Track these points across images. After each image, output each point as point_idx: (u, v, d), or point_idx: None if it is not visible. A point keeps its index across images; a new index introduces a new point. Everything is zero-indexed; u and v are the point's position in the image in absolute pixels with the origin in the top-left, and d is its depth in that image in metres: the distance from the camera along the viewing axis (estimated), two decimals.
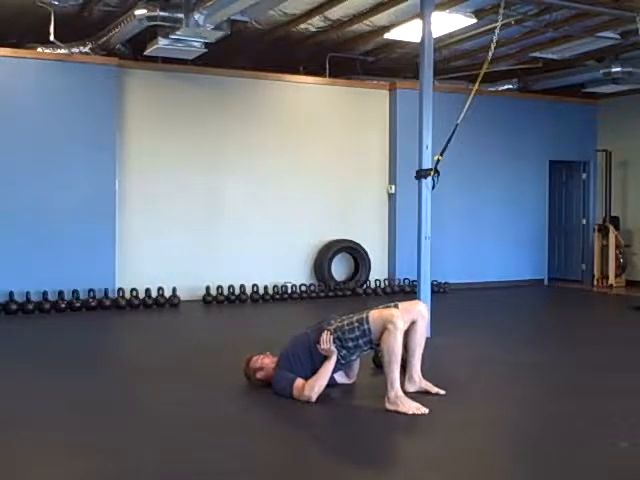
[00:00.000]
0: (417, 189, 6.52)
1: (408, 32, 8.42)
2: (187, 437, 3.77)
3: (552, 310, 9.55)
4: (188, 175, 9.20)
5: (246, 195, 9.54)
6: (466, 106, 6.28)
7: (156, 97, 9.07)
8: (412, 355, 4.61)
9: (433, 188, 6.48)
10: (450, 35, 8.70)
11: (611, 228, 11.10)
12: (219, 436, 3.84)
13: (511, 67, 10.33)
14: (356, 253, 10.10)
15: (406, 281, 10.08)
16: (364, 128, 10.26)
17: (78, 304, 8.26)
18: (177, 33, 7.44)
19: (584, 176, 11.89)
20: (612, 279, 11.03)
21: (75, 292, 8.30)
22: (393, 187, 10.28)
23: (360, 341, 4.42)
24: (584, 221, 11.86)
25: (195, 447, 3.61)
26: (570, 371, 5.46)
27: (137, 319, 8.04)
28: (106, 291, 8.48)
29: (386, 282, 10.21)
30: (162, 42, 7.61)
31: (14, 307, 7.98)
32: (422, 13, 6.56)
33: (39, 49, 8.37)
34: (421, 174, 6.46)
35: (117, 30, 7.81)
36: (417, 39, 7.11)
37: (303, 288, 9.63)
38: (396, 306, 4.56)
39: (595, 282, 11.25)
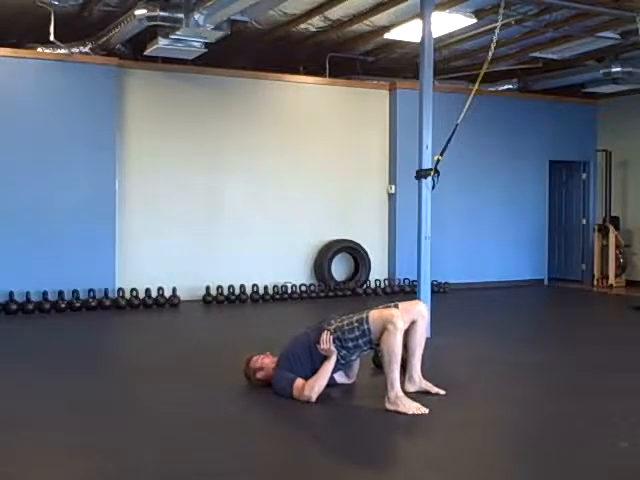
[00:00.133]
0: (417, 189, 6.52)
1: (408, 32, 8.42)
2: (187, 437, 3.77)
3: (552, 310, 9.55)
4: (188, 175, 9.20)
5: (246, 195, 9.54)
6: (466, 106, 6.28)
7: (156, 97, 9.07)
8: (412, 355, 4.61)
9: (433, 188, 6.47)
10: (450, 35, 8.70)
11: (611, 228, 11.10)
12: (219, 436, 3.84)
13: (511, 67, 10.33)
14: (356, 253, 10.09)
15: (406, 281, 10.08)
16: (364, 128, 10.25)
17: (78, 304, 8.26)
18: (177, 33, 7.44)
19: (584, 176, 11.89)
20: (612, 279, 11.03)
21: (75, 292, 8.30)
22: (393, 187, 10.28)
23: (360, 341, 4.41)
24: (584, 221, 11.86)
25: (195, 447, 3.61)
26: (570, 371, 5.46)
27: (137, 319, 8.04)
28: (106, 291, 8.49)
29: (386, 282, 10.21)
30: (162, 42, 7.62)
31: (14, 307, 7.99)
32: (422, 13, 6.56)
33: (39, 49, 8.37)
34: (421, 174, 6.46)
35: (117, 30, 7.81)
36: (417, 39, 7.11)
37: (303, 288, 9.63)
38: (396, 306, 4.55)
39: (595, 282, 11.25)
